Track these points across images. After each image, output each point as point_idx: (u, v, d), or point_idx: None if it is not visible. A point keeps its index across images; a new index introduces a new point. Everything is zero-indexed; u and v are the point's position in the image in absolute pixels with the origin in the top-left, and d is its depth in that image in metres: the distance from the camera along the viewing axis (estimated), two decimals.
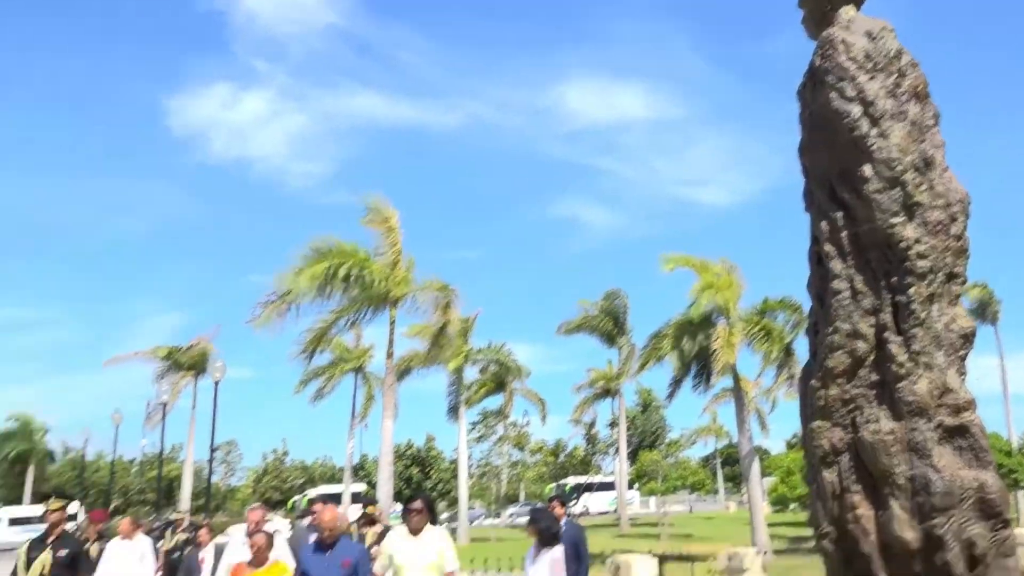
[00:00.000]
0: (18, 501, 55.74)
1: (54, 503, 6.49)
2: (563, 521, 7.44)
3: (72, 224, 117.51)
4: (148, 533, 11.65)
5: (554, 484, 55.26)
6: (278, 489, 65.27)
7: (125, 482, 58.23)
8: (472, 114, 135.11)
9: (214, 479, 61.38)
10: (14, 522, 41.30)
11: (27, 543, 6.47)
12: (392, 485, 20.90)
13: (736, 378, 25.00)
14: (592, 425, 57.52)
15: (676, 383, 26.11)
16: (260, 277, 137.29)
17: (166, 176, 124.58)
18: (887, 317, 3.26)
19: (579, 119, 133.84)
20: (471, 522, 39.98)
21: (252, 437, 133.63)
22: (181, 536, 13.87)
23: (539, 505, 6.87)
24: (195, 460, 41.17)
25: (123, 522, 9.97)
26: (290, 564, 6.79)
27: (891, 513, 2.95)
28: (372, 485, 44.35)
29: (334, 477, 64.58)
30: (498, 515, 48.20)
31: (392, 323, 21.23)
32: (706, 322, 24.35)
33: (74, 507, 42.43)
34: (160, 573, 11.54)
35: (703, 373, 25.45)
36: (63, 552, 6.27)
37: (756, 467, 24.25)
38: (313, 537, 7.27)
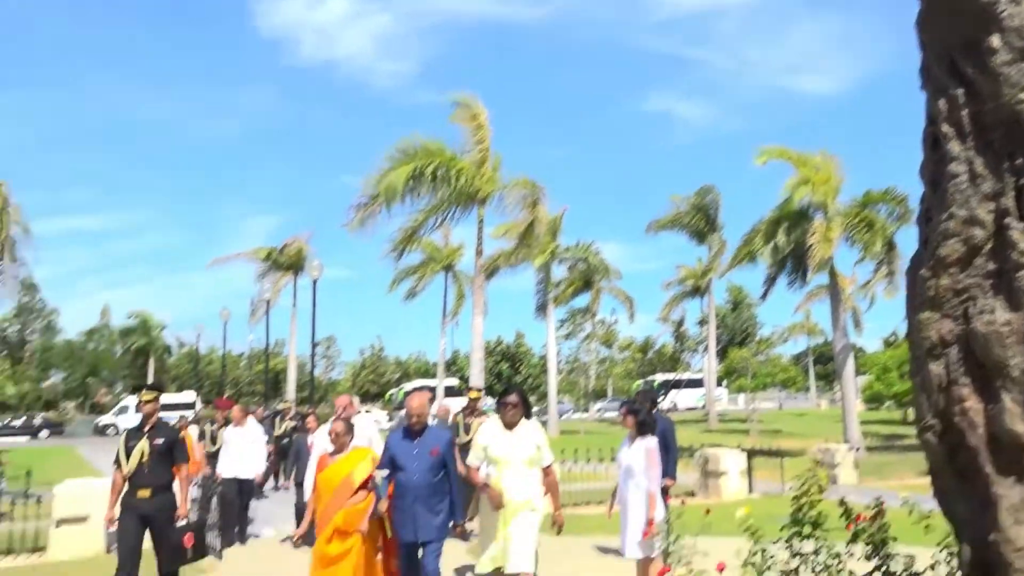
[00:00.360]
0: (139, 390, 60.34)
1: (147, 395, 6.52)
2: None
3: (169, 129, 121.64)
4: (260, 422, 12.46)
5: (642, 380, 55.89)
6: (375, 383, 68.50)
7: (235, 375, 62.15)
8: (559, 6, 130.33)
9: (316, 373, 64.83)
10: (121, 411, 45.09)
11: (125, 433, 6.65)
12: (483, 380, 21.52)
13: (833, 274, 24.23)
14: (680, 323, 57.42)
15: (771, 281, 25.54)
16: (351, 178, 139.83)
17: (257, 79, 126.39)
18: (1009, 202, 3.02)
19: (670, 7, 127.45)
20: (560, 416, 41.05)
21: (349, 334, 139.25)
22: (289, 424, 14.85)
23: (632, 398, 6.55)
24: (298, 355, 43.41)
25: (234, 410, 10.71)
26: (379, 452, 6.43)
27: (1002, 406, 2.81)
28: (464, 380, 45.90)
29: (428, 372, 67.08)
30: (586, 410, 49.32)
31: (480, 222, 21.37)
32: (802, 217, 23.50)
33: (191, 396, 45.84)
34: (272, 457, 12.43)
35: (798, 270, 24.76)
36: (159, 440, 6.42)
37: (850, 364, 23.76)
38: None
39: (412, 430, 5.81)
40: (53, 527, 9.55)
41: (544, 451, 5.76)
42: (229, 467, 10.01)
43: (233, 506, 9.80)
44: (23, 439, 41.75)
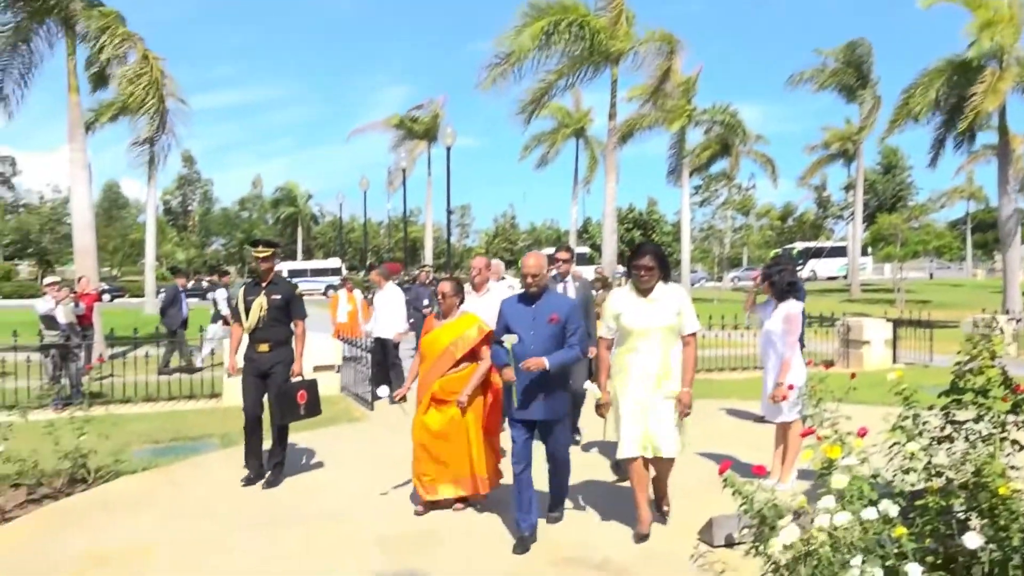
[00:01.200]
0: (292, 257, 64.50)
1: (262, 250, 6.50)
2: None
3: (308, 3, 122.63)
4: (400, 285, 13.07)
5: (780, 248, 53.95)
6: (508, 250, 69.74)
7: (376, 242, 64.93)
8: None
9: (451, 240, 66.67)
10: (293, 274, 48.17)
11: (243, 288, 6.65)
12: (616, 246, 21.42)
13: (1003, 131, 21.98)
14: (823, 188, 54.31)
15: (938, 143, 23.31)
16: (482, 45, 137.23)
17: None
18: None
19: None
20: (692, 284, 40.57)
21: (482, 202, 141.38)
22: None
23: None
24: (433, 222, 44.63)
25: (372, 275, 11.27)
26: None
27: None
28: (596, 248, 45.92)
29: (559, 239, 67.53)
30: (720, 279, 48.43)
31: (614, 82, 20.57)
32: (971, 69, 21.14)
33: (336, 263, 48.39)
34: (412, 320, 13.09)
35: (965, 130, 22.53)
36: (277, 296, 6.43)
37: (1018, 231, 21.88)
38: (558, 287, 7.13)
39: (528, 294, 5.03)
40: (225, 376, 10.58)
41: (687, 317, 4.89)
42: (376, 328, 10.66)
43: (381, 364, 10.47)
44: (193, 300, 45.95)
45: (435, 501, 5.61)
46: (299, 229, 71.62)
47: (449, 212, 22.15)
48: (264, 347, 6.42)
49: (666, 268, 4.91)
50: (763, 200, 61.03)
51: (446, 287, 5.67)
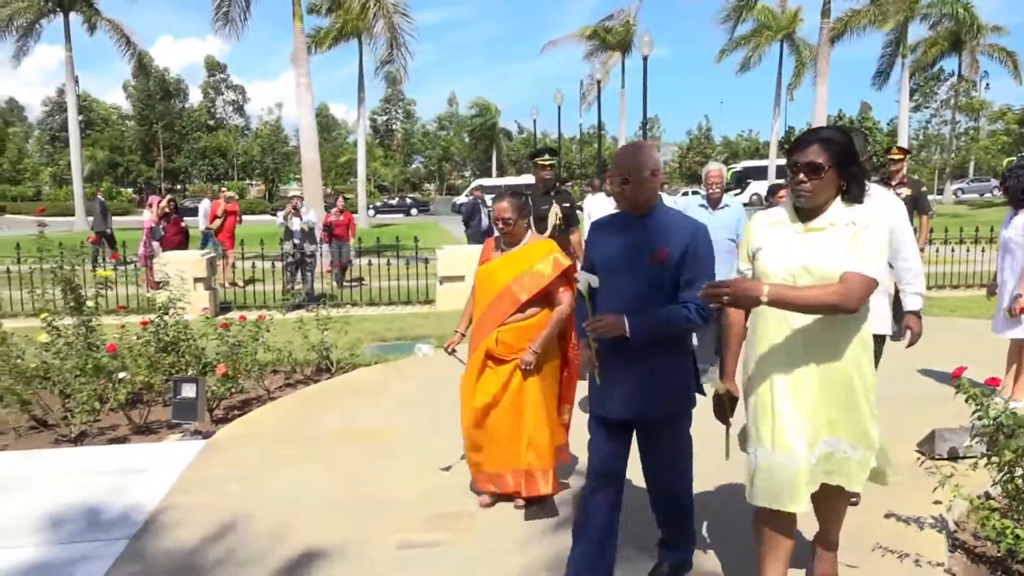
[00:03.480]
0: (487, 174, 66.35)
1: (547, 159, 6.73)
2: None
3: None
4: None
5: (1015, 156, 47.90)
6: (702, 164, 67.33)
7: (568, 158, 65.06)
8: None
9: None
10: (485, 191, 49.66)
11: (528, 193, 7.11)
12: None
13: None
14: None
15: None
16: None
17: None
18: None
19: None
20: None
21: (671, 115, 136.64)
22: None
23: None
24: (626, 136, 43.94)
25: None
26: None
27: None
28: None
29: (758, 151, 64.20)
30: (940, 191, 44.09)
31: None
32: None
33: (530, 179, 49.05)
34: None
35: None
36: (566, 204, 6.72)
37: None
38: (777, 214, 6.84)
39: (628, 215, 3.08)
40: (438, 284, 11.41)
41: (864, 256, 2.57)
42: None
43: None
44: (399, 216, 48.96)
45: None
46: (493, 146, 73.22)
47: (644, 123, 21.71)
48: None
49: (853, 174, 2.64)
50: (999, 101, 54.15)
51: (505, 207, 4.00)
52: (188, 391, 5.38)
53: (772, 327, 2.73)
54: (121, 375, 5.56)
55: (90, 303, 6.12)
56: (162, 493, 4.37)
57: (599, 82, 33.66)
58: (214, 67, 73.12)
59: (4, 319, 7.48)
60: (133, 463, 4.89)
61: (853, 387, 2.66)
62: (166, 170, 67.64)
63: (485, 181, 54.63)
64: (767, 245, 2.75)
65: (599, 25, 39.64)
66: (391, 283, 11.90)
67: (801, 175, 2.61)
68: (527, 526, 3.91)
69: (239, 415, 6.03)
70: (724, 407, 2.86)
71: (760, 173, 43.86)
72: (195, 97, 72.83)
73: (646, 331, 2.89)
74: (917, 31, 34.63)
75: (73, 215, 32.67)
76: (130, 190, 63.50)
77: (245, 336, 6.20)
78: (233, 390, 6.09)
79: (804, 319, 2.64)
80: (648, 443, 3.11)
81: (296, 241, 11.78)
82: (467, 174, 75.11)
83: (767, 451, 2.66)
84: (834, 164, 2.59)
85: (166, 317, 6.27)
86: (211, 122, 71.84)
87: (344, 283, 13.22)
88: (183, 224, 13.89)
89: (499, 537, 3.78)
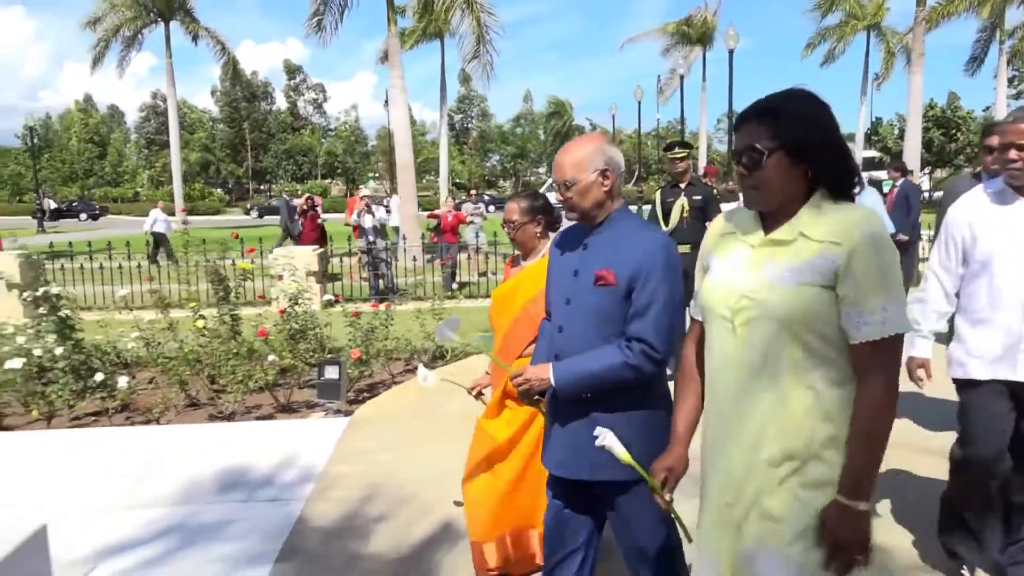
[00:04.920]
0: None
1: (678, 152, 6.68)
2: None
3: None
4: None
5: None
6: None
7: (645, 153, 64.67)
8: None
9: (721, 148, 64.42)
10: (549, 189, 49.96)
11: (660, 191, 6.98)
12: (919, 147, 19.66)
13: None
14: None
15: None
16: None
17: None
18: None
19: None
20: None
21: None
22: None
23: None
24: (707, 130, 43.50)
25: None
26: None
27: None
28: (886, 151, 42.02)
29: None
30: None
31: None
32: None
33: None
34: None
35: None
36: (697, 197, 6.65)
37: None
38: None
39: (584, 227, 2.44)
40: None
41: (869, 293, 1.71)
42: None
43: None
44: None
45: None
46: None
47: (731, 118, 21.57)
48: (685, 248, 6.31)
49: (822, 158, 1.74)
50: None
51: (511, 208, 3.24)
52: (331, 373, 5.86)
53: (709, 387, 1.90)
54: (270, 358, 6.08)
55: (236, 293, 6.68)
56: (323, 462, 4.84)
57: (681, 77, 33.48)
58: (292, 70, 75.48)
59: (143, 310, 8.18)
60: (291, 437, 5.39)
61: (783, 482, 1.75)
62: (253, 170, 70.19)
63: None
64: (715, 263, 1.90)
65: (681, 21, 39.38)
66: (490, 277, 12.33)
67: (740, 167, 1.78)
68: None
69: (368, 397, 6.48)
70: (652, 486, 1.98)
71: None
72: (279, 99, 75.37)
73: (574, 382, 2.26)
74: (1015, 15, 33.20)
75: (174, 215, 34.38)
76: (220, 190, 66.16)
77: (377, 323, 6.67)
78: (364, 373, 6.56)
79: (725, 381, 1.82)
80: (611, 510, 2.39)
81: (370, 238, 12.29)
82: (542, 171, 75.39)
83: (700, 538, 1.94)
84: (784, 145, 1.70)
85: (296, 307, 6.78)
86: (295, 123, 74.19)
87: (453, 286, 12.73)
88: (319, 220, 14.55)
89: None
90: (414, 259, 13.61)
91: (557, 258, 2.48)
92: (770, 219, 1.79)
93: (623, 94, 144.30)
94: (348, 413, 5.95)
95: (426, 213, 15.86)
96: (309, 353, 6.60)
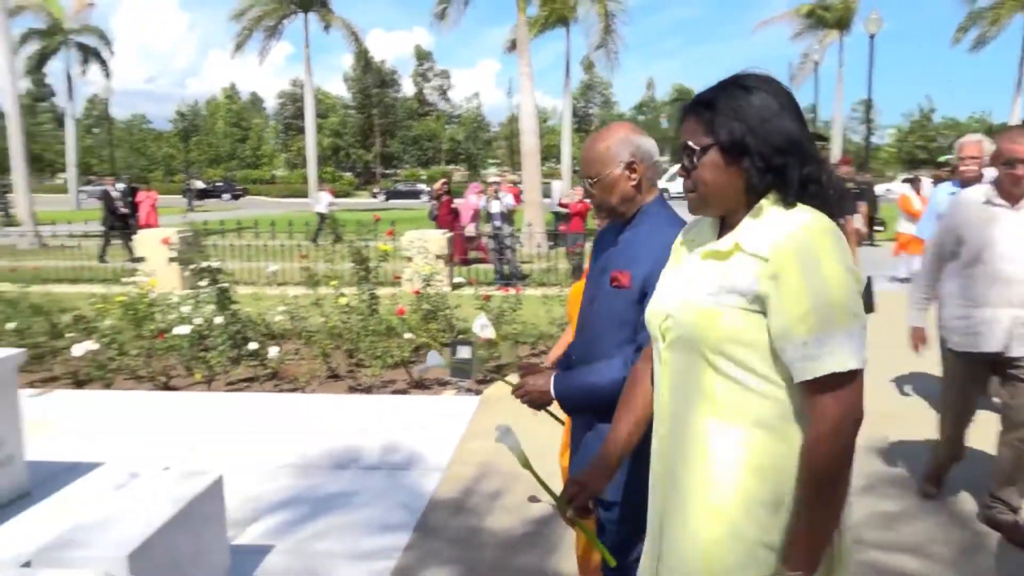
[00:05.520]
0: None
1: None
2: None
3: None
4: None
5: None
6: (923, 148, 62.24)
7: None
8: None
9: (855, 139, 61.44)
10: (672, 178, 49.11)
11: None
12: None
13: None
14: None
15: None
16: None
17: None
18: None
19: None
20: None
21: (885, 96, 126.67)
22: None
23: None
24: (842, 119, 41.60)
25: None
26: None
27: None
28: None
29: (989, 132, 58.22)
30: None
31: None
32: None
33: None
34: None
35: None
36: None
37: None
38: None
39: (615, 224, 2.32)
40: None
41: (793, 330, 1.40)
42: None
43: None
44: None
45: None
46: None
47: (869, 106, 20.59)
48: None
49: (766, 158, 1.45)
50: None
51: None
52: (464, 352, 6.08)
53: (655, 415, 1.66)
54: (407, 335, 6.41)
55: (375, 273, 7.06)
56: (458, 437, 5.09)
57: (816, 63, 32.13)
58: (423, 56, 77.38)
59: (287, 286, 8.74)
60: (426, 412, 5.68)
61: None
62: (381, 155, 72.64)
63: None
64: (666, 271, 1.70)
65: (817, 3, 37.74)
66: None
67: (681, 168, 1.57)
68: None
69: (495, 379, 6.70)
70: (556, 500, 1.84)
71: None
72: (406, 86, 77.54)
73: (574, 396, 2.14)
74: None
75: (306, 196, 36.16)
76: (349, 174, 68.91)
77: (507, 307, 6.89)
78: (493, 355, 6.79)
79: (657, 403, 1.64)
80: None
81: (496, 223, 12.51)
82: (665, 158, 74.27)
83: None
84: (717, 143, 1.47)
85: (428, 288, 7.09)
86: (421, 109, 76.16)
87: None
88: (453, 205, 15.07)
89: None
90: (538, 246, 13.80)
91: (595, 254, 2.32)
92: (725, 228, 1.55)
93: None
94: (477, 392, 6.19)
95: (559, 200, 15.77)
96: (440, 333, 6.90)
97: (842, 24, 36.92)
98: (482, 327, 2.74)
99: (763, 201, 1.45)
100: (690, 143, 1.50)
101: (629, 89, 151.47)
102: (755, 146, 1.43)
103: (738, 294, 1.41)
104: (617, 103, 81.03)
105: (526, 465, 1.89)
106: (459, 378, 6.14)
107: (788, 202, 1.44)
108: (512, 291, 7.35)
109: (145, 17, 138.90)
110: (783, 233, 1.39)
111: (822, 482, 1.37)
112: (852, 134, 59.86)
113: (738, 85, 1.48)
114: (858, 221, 6.72)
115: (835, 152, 38.92)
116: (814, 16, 37.80)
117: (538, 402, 2.24)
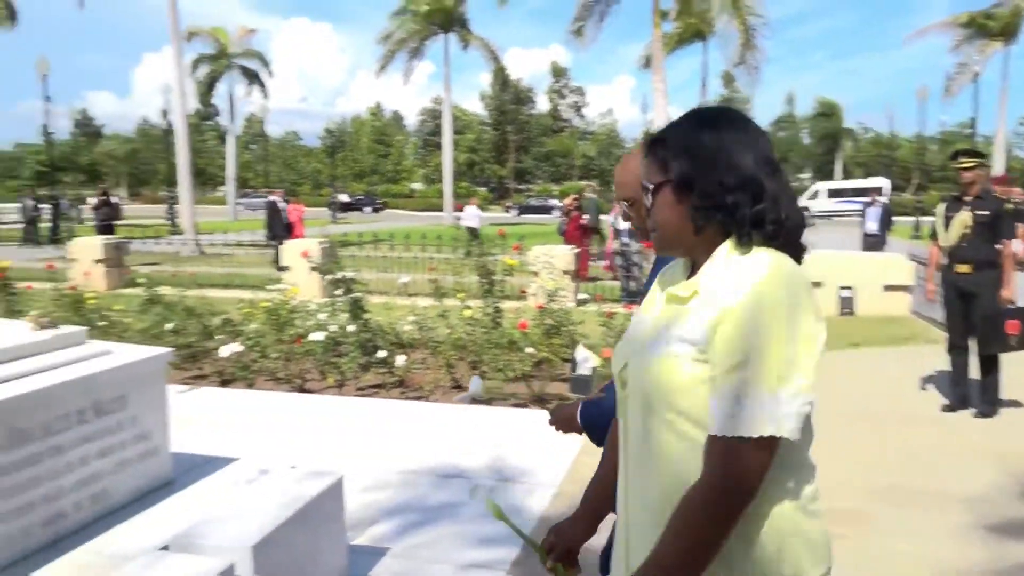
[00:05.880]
0: (829, 176, 62.42)
1: (964, 161, 5.96)
2: None
3: None
4: None
5: None
6: None
7: (927, 160, 58.73)
8: None
9: (1022, 155, 56.60)
10: (832, 194, 46.72)
11: (944, 203, 6.26)
12: None
13: None
14: None
15: None
16: None
17: None
18: None
19: None
20: None
21: None
22: None
23: None
24: (1005, 135, 38.53)
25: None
26: None
27: None
28: None
29: None
30: None
31: None
32: None
33: (881, 182, 45.17)
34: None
35: None
36: (983, 212, 5.90)
37: None
38: None
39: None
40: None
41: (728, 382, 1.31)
42: None
43: None
44: None
45: None
46: (839, 147, 68.57)
47: None
48: (965, 268, 5.98)
49: (713, 198, 1.38)
50: None
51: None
52: (584, 368, 6.08)
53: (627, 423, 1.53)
54: (528, 350, 6.46)
55: (500, 287, 7.17)
56: (573, 454, 5.07)
57: (976, 73, 29.99)
58: (559, 73, 78.12)
59: (417, 297, 9.02)
60: (545, 426, 5.68)
61: None
62: (515, 170, 73.84)
63: (829, 184, 51.68)
64: (638, 312, 1.63)
65: (979, 12, 35.24)
66: None
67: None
68: (927, 529, 3.89)
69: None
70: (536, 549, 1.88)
71: None
72: (541, 102, 78.51)
73: (600, 426, 1.96)
74: None
75: (441, 210, 37.24)
76: (484, 189, 70.44)
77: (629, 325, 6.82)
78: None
79: (623, 465, 1.54)
80: None
81: (624, 240, 12.36)
82: (806, 176, 71.26)
83: None
84: (668, 180, 1.42)
85: (552, 303, 7.11)
86: (554, 125, 76.88)
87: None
88: (583, 221, 15.21)
89: (897, 538, 3.82)
90: None
91: (651, 277, 2.11)
92: (694, 270, 1.46)
93: (896, 94, 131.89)
94: None
95: None
96: (561, 348, 6.90)
97: (1007, 33, 34.26)
98: (583, 360, 2.64)
99: (727, 243, 1.37)
100: (644, 182, 1.46)
101: (768, 103, 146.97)
102: (699, 184, 1.37)
103: (689, 343, 1.32)
104: (754, 117, 78.65)
105: (500, 516, 1.81)
106: (579, 394, 6.13)
107: (743, 244, 1.35)
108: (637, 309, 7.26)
109: (301, 41, 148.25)
110: (732, 280, 1.31)
111: (691, 531, 1.29)
112: (1018, 150, 55.23)
113: (692, 120, 1.44)
114: (1017, 245, 6.19)
115: (997, 170, 36.11)
116: (974, 25, 35.30)
117: (565, 429, 2.21)
